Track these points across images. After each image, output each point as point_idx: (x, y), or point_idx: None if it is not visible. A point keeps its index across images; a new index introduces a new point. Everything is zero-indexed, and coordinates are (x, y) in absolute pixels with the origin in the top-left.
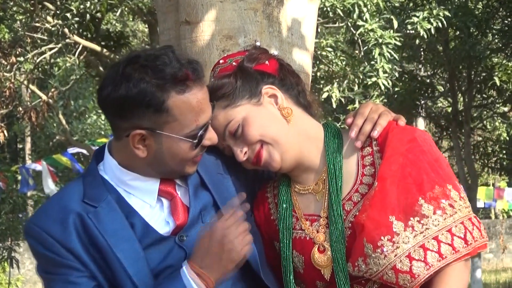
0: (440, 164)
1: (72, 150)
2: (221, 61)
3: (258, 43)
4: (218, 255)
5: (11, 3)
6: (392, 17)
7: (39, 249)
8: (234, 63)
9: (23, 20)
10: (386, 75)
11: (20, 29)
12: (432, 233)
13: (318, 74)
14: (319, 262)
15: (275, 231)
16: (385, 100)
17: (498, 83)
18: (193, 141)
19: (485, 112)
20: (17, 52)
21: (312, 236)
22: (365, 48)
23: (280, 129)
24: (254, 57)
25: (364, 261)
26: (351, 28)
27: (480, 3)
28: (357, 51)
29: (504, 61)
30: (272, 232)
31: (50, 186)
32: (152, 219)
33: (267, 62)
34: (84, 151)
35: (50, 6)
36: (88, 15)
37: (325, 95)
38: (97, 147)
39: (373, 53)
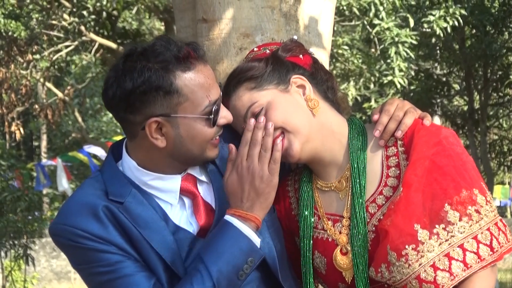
0: (467, 167)
1: (88, 148)
2: (255, 49)
3: (295, 37)
4: (253, 188)
5: (28, 1)
6: (408, 15)
7: (74, 244)
8: (268, 51)
9: (40, 17)
10: (402, 73)
11: (36, 26)
12: (458, 240)
13: (334, 72)
14: (341, 264)
15: (296, 227)
16: (401, 99)
17: None
18: (209, 117)
19: (501, 111)
20: (33, 50)
21: (334, 237)
22: (381, 47)
23: (304, 119)
24: (288, 48)
25: (387, 268)
26: (367, 27)
27: (497, 1)
28: (373, 50)
29: None
30: (293, 228)
31: (64, 185)
32: (175, 219)
33: (301, 56)
34: (101, 151)
35: (67, 3)
36: (104, 12)
37: None
38: (112, 142)
39: (389, 52)
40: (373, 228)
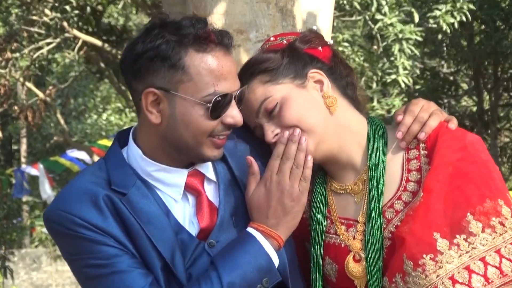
0: (492, 176)
1: (71, 152)
2: (272, 38)
3: (314, 27)
4: (281, 206)
5: None
6: (412, 10)
7: (69, 232)
8: (285, 42)
9: (19, 13)
10: (407, 72)
11: (16, 22)
12: (479, 253)
13: None
14: (353, 272)
15: (307, 231)
16: (406, 99)
17: None
18: (207, 105)
19: None
20: (13, 47)
21: (348, 243)
22: (384, 44)
23: (320, 117)
24: (307, 39)
25: (402, 278)
26: (369, 22)
27: None
28: (375, 47)
29: None
30: (304, 232)
31: (48, 191)
32: (178, 216)
33: (320, 48)
34: (85, 155)
35: None
36: (88, 7)
37: None
38: (98, 148)
39: (393, 49)
40: (389, 235)
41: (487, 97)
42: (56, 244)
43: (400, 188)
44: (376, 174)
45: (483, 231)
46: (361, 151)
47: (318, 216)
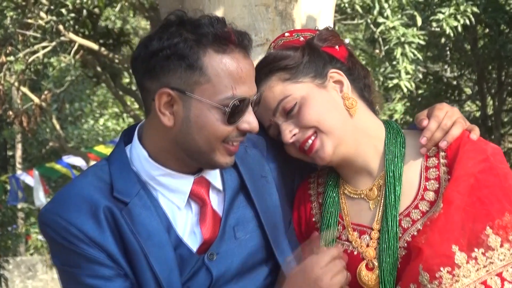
0: None
1: (67, 158)
2: (286, 34)
3: (330, 26)
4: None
5: None
6: (415, 13)
7: (63, 241)
8: (302, 38)
9: (14, 16)
10: (409, 76)
11: (11, 26)
12: (497, 268)
13: None
14: (366, 281)
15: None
16: (408, 104)
17: None
18: (225, 109)
19: None
20: (8, 51)
21: (361, 250)
22: (386, 47)
23: (340, 119)
24: (324, 37)
25: None
26: (371, 26)
27: None
28: (377, 51)
29: None
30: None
31: (41, 199)
32: (179, 225)
33: (337, 47)
34: (81, 161)
35: (44, 1)
36: (84, 10)
37: None
38: (95, 154)
39: (395, 53)
40: (405, 244)
41: (491, 102)
42: (48, 247)
43: (418, 197)
44: (393, 181)
45: (501, 245)
46: (378, 155)
47: (330, 221)
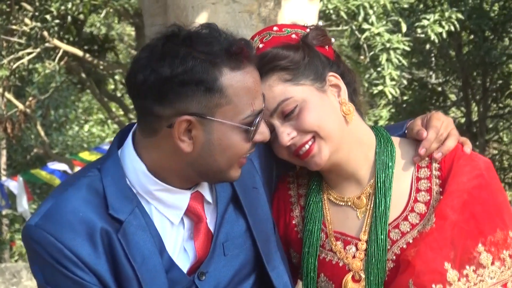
0: (507, 207)
1: (52, 165)
2: (275, 28)
3: (320, 23)
4: None
5: None
6: (400, 20)
7: (51, 261)
8: (294, 36)
9: None
10: (394, 82)
11: None
12: (487, 286)
13: None
14: None
15: (295, 240)
16: (393, 110)
17: None
18: (249, 128)
19: (501, 123)
20: None
21: (346, 261)
22: (371, 54)
23: (338, 125)
24: (318, 37)
25: None
26: (356, 32)
27: (496, 4)
28: (362, 57)
29: None
30: (291, 238)
31: (24, 205)
32: (169, 242)
33: (327, 47)
34: (66, 168)
35: (28, 7)
36: (69, 17)
37: None
38: (80, 161)
39: (380, 59)
40: (393, 257)
41: (476, 108)
42: (30, 263)
43: (407, 208)
44: (383, 191)
45: (492, 263)
46: (368, 163)
47: (313, 228)
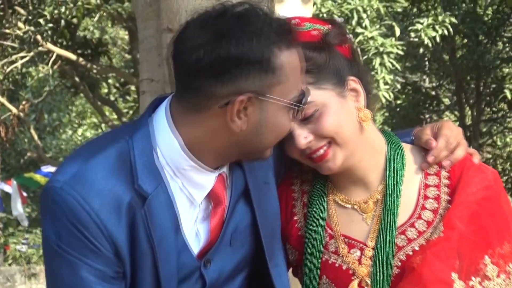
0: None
1: (45, 168)
2: (296, 21)
3: (339, 19)
4: None
5: None
6: (394, 23)
7: (73, 226)
8: (314, 32)
9: None
10: (388, 86)
11: None
12: None
13: None
14: None
15: (295, 236)
16: (387, 114)
17: (509, 95)
18: (297, 107)
19: (495, 127)
20: None
21: (352, 267)
22: (364, 57)
23: (354, 131)
24: (338, 36)
25: None
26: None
27: (490, 8)
28: None
29: None
30: (290, 235)
31: (19, 209)
32: (186, 224)
33: (345, 46)
34: None
35: (22, 11)
36: (62, 21)
37: None
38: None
39: (374, 63)
40: (399, 263)
41: (469, 112)
42: (45, 224)
43: (414, 215)
44: (394, 199)
45: (498, 276)
46: (377, 169)
47: (316, 228)
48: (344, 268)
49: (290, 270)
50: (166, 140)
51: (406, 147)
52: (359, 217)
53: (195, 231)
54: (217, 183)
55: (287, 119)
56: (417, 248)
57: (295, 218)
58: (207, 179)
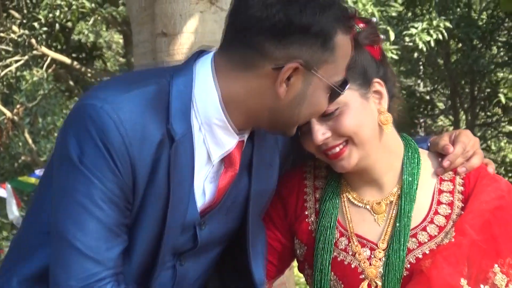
0: None
1: (39, 171)
2: None
3: (374, 19)
4: None
5: None
6: (388, 28)
7: (102, 144)
8: None
9: None
10: None
11: None
12: None
13: None
14: None
15: (305, 231)
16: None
17: (503, 100)
18: (338, 91)
19: (489, 132)
20: None
21: (363, 266)
22: None
23: (373, 133)
24: (370, 36)
25: None
26: None
27: (484, 13)
28: None
29: (510, 76)
30: (299, 229)
31: (15, 212)
32: (197, 179)
33: (376, 47)
34: None
35: (16, 14)
36: (57, 24)
37: None
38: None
39: None
40: (408, 266)
41: (464, 117)
42: (68, 138)
43: (427, 219)
44: (409, 203)
45: (507, 285)
46: (392, 172)
47: (325, 223)
48: (353, 266)
49: (291, 268)
50: (205, 90)
51: (423, 153)
52: (371, 217)
53: (202, 189)
54: (236, 147)
55: (324, 99)
56: (427, 252)
57: (306, 213)
58: (230, 140)
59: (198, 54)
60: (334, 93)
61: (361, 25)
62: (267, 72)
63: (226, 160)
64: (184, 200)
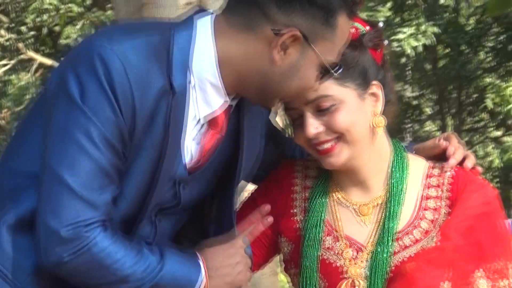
0: (508, 237)
1: None
2: None
3: (381, 23)
4: (232, 272)
5: None
6: None
7: (108, 87)
8: (352, 30)
9: None
10: None
11: None
12: None
13: None
14: None
15: (291, 229)
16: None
17: (490, 105)
18: (331, 71)
19: (476, 137)
20: None
21: (346, 264)
22: None
23: (365, 134)
24: (374, 39)
25: None
26: None
27: (472, 18)
28: None
29: (497, 82)
30: (286, 227)
31: None
32: (185, 139)
33: (379, 50)
34: None
35: (3, 18)
36: (45, 28)
37: None
38: None
39: None
40: (393, 268)
41: (451, 122)
42: (71, 77)
43: (414, 223)
44: (396, 207)
45: None
46: (380, 175)
47: (313, 221)
48: (335, 265)
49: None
50: (204, 47)
51: (411, 158)
52: (357, 218)
53: (189, 148)
54: (223, 111)
55: (314, 76)
56: (412, 255)
57: (294, 211)
58: (218, 100)
59: (196, 11)
60: (325, 73)
61: (367, 27)
62: (266, 35)
63: (211, 122)
64: (177, 153)
